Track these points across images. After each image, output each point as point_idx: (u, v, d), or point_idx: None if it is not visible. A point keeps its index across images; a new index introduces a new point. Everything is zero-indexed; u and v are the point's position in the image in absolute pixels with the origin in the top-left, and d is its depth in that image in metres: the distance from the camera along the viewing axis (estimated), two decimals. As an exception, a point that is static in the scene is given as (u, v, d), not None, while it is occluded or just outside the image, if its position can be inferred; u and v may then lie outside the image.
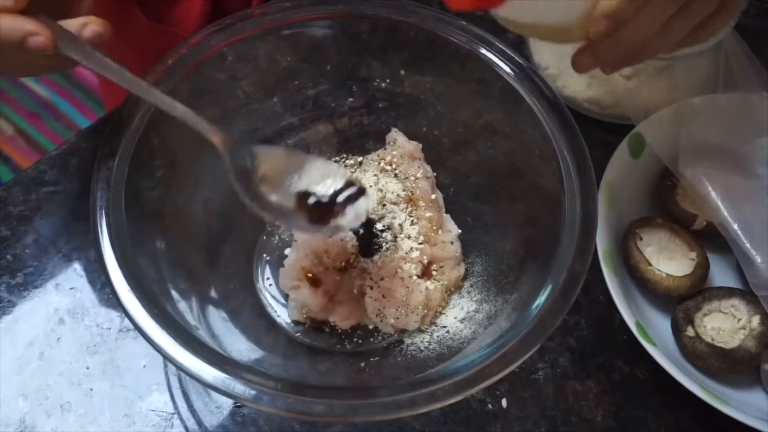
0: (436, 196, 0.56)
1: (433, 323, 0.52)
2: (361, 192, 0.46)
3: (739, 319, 0.54)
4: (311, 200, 0.45)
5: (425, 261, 0.52)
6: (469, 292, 0.54)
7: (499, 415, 0.52)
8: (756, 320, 0.53)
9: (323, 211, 0.46)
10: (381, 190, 0.54)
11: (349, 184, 0.46)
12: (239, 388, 0.37)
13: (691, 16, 0.43)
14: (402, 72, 0.56)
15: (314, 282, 0.51)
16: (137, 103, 0.46)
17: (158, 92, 0.43)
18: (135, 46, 0.73)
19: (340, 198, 0.46)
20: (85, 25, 0.42)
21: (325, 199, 0.46)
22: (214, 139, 0.43)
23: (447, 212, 0.56)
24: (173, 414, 0.51)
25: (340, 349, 0.52)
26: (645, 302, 0.57)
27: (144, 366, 0.52)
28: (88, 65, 0.42)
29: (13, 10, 0.40)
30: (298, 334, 0.52)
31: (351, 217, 0.45)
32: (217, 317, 0.49)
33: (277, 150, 0.49)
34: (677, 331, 0.54)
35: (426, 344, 0.51)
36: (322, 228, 0.46)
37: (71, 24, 0.42)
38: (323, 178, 0.46)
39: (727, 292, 0.55)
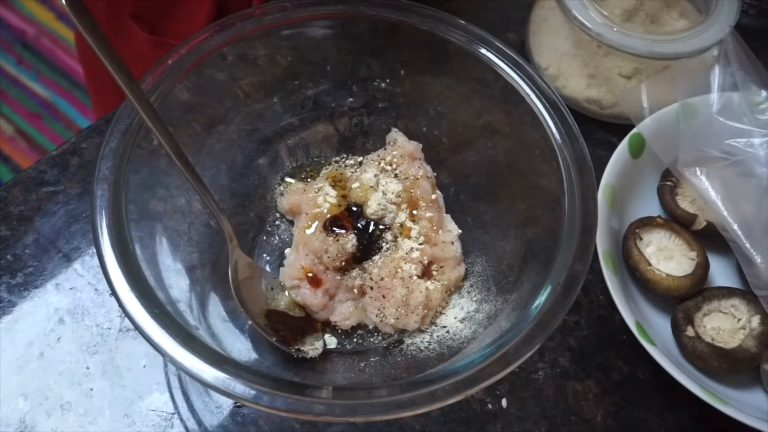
0: (436, 196, 0.56)
1: (433, 323, 0.52)
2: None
3: (739, 319, 0.54)
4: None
5: (425, 261, 0.52)
6: (469, 292, 0.54)
7: (499, 415, 0.52)
8: (756, 320, 0.53)
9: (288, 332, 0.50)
10: (381, 191, 0.54)
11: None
12: (239, 388, 0.37)
13: None
14: (402, 72, 0.56)
15: (314, 282, 0.51)
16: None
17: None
18: (137, 58, 0.74)
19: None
20: None
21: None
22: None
23: (447, 212, 0.56)
24: (173, 414, 0.51)
25: (340, 349, 0.52)
26: (645, 302, 0.57)
27: (144, 366, 0.52)
28: None
29: None
30: (298, 334, 0.52)
31: (310, 347, 0.50)
32: (217, 317, 0.49)
33: (253, 265, 0.52)
34: (677, 331, 0.54)
35: (426, 344, 0.51)
36: (288, 348, 0.49)
37: None
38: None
39: (727, 292, 0.55)
